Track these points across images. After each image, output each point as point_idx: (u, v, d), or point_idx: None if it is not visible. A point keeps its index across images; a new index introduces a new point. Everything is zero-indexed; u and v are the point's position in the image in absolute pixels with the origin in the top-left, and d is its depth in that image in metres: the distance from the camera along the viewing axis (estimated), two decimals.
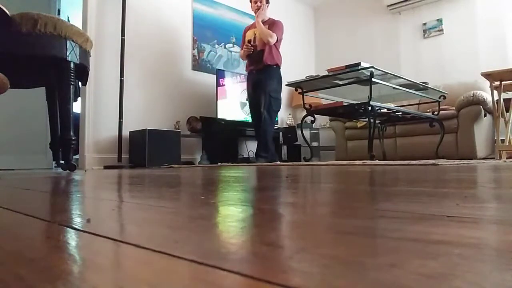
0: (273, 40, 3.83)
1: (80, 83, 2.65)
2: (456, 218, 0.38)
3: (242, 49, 4.15)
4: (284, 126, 5.41)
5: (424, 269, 0.21)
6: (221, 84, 4.49)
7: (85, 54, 2.43)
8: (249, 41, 4.00)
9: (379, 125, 4.15)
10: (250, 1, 4.08)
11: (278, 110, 4.01)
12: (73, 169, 2.41)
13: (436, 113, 3.81)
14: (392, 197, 0.59)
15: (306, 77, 3.47)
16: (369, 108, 3.00)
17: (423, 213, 0.43)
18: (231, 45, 5.07)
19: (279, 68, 3.97)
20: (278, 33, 3.89)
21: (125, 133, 3.82)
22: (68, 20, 2.83)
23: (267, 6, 4.06)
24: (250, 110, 4.11)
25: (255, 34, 3.98)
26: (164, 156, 3.71)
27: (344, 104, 3.31)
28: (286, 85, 3.66)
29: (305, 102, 3.49)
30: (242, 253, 0.27)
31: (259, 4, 3.98)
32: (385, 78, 3.17)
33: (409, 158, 4.01)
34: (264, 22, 4.01)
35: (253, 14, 4.17)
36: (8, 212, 0.53)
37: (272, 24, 3.94)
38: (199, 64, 4.70)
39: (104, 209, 0.55)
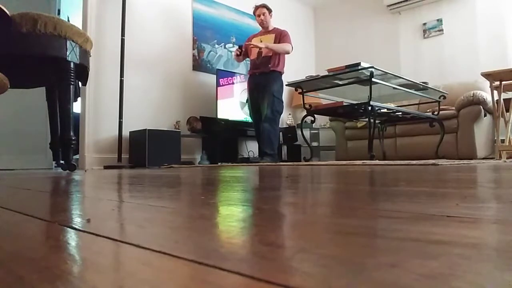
0: (289, 48, 3.99)
1: (80, 83, 2.65)
2: (456, 218, 0.38)
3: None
4: (284, 126, 5.41)
5: (424, 269, 0.21)
6: (221, 84, 4.49)
7: (85, 54, 2.43)
8: (240, 46, 4.05)
9: (379, 125, 4.15)
10: (254, 14, 4.18)
11: (281, 112, 4.03)
12: (73, 169, 2.41)
13: (436, 113, 3.81)
14: (392, 197, 0.59)
15: (306, 77, 3.48)
16: (369, 108, 3.00)
17: (423, 213, 0.43)
18: (231, 45, 5.07)
19: (282, 75, 4.04)
20: (290, 42, 4.03)
21: (125, 133, 3.82)
22: (68, 20, 2.83)
23: (271, 16, 4.15)
24: (251, 111, 4.12)
25: (261, 41, 4.03)
26: (164, 156, 3.71)
27: (344, 104, 3.31)
28: (286, 85, 3.66)
29: (305, 102, 3.49)
30: (242, 253, 0.27)
31: (262, 17, 4.09)
32: (385, 78, 3.17)
33: (409, 158, 4.02)
34: (269, 32, 4.11)
35: (253, 14, 4.23)
36: (8, 212, 0.53)
37: (281, 36, 4.04)
38: (199, 64, 4.70)
39: (104, 209, 0.55)
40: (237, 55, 4.09)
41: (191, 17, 4.69)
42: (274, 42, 3.99)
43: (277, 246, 0.29)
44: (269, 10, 4.11)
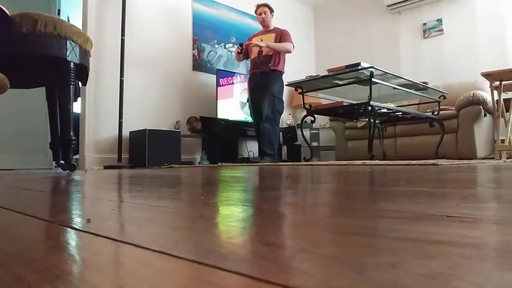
0: (291, 47, 4.00)
1: (80, 83, 2.65)
2: (456, 218, 0.38)
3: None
4: (284, 126, 5.41)
5: (424, 269, 0.21)
6: (221, 84, 4.49)
7: (85, 54, 2.43)
8: (241, 44, 4.05)
9: (379, 125, 4.15)
10: (256, 12, 4.19)
11: (282, 112, 4.02)
12: (73, 169, 2.41)
13: (436, 113, 3.81)
14: (392, 197, 0.59)
15: (306, 77, 3.48)
16: (369, 108, 3.00)
17: (423, 213, 0.43)
18: (231, 45, 5.07)
19: (282, 74, 4.03)
20: (291, 41, 4.03)
21: (125, 133, 3.82)
22: (68, 20, 2.83)
23: (272, 15, 4.16)
24: (252, 111, 4.12)
25: (262, 41, 4.03)
26: (164, 156, 3.71)
27: (344, 104, 3.31)
28: (286, 85, 3.67)
29: (305, 102, 3.49)
30: (242, 253, 0.27)
31: (263, 16, 4.09)
32: (385, 78, 3.17)
33: (409, 158, 4.02)
34: (270, 31, 4.12)
35: (254, 14, 4.24)
36: (8, 212, 0.53)
37: (281, 35, 4.04)
38: (199, 64, 4.70)
39: (104, 209, 0.55)
40: (238, 52, 4.09)
41: (191, 17, 4.69)
42: (275, 42, 4.00)
43: (277, 246, 0.29)
44: (271, 10, 4.13)
